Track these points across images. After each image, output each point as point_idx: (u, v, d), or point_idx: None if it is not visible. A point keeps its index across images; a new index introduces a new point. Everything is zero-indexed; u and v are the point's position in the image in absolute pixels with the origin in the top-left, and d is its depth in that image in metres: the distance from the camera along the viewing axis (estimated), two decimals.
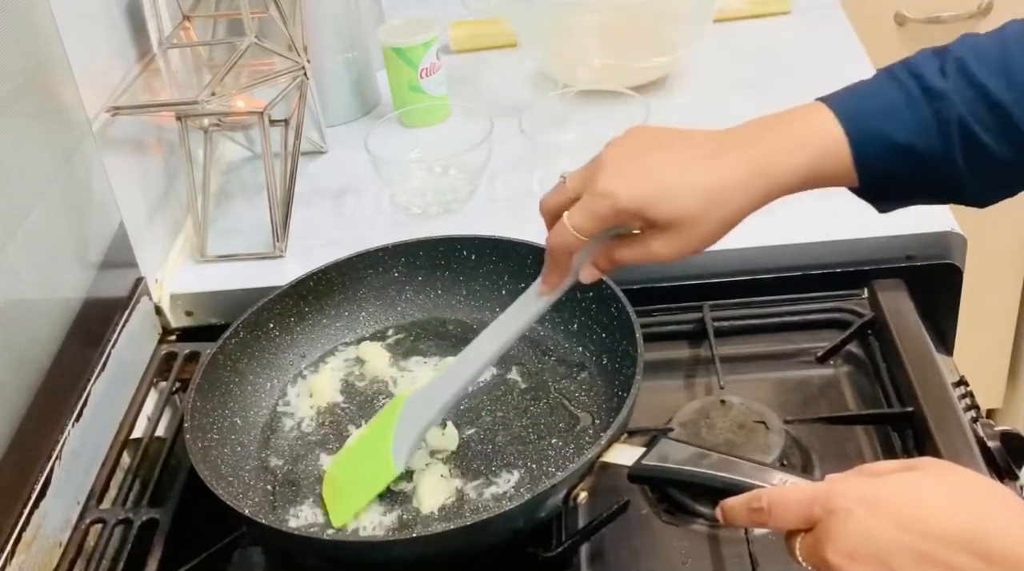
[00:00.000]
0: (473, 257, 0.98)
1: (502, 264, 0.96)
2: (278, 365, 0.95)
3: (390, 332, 0.98)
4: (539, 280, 0.78)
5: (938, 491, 0.56)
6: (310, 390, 0.93)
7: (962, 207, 1.03)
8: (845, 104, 0.71)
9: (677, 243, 0.71)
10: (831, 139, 0.70)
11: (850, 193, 1.04)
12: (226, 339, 0.90)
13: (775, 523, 0.60)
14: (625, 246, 0.74)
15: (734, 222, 0.72)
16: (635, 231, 0.74)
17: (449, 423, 0.86)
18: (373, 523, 0.80)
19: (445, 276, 0.99)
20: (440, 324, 0.98)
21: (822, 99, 0.72)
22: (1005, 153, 0.69)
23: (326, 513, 0.81)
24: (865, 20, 1.44)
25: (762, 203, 0.72)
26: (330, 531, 0.79)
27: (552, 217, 0.75)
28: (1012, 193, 0.74)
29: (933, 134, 0.69)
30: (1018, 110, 0.68)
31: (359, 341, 0.98)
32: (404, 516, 0.80)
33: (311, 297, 0.97)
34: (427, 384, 0.85)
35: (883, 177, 0.71)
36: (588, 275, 0.76)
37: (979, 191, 0.73)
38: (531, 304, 0.79)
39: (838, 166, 0.71)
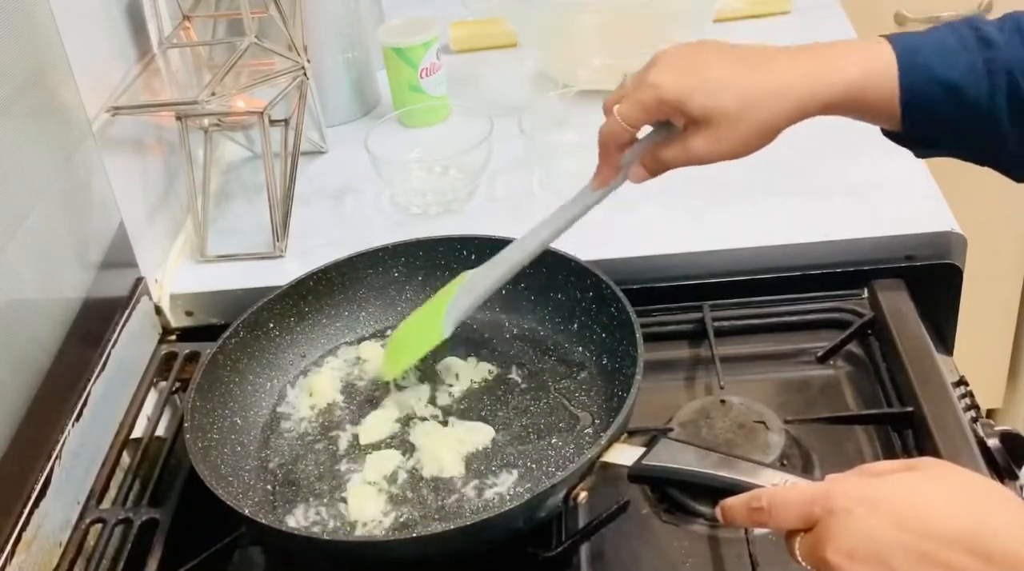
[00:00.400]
0: (473, 257, 0.97)
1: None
2: (278, 365, 0.95)
3: (390, 332, 0.98)
4: (592, 177, 0.80)
5: (938, 491, 0.56)
6: (310, 390, 0.93)
7: (962, 207, 1.04)
8: (902, 39, 0.73)
9: (715, 142, 0.74)
10: (881, 64, 0.72)
11: (849, 193, 1.04)
12: (226, 339, 0.90)
13: (775, 523, 0.60)
14: (668, 145, 0.76)
15: (771, 128, 0.74)
16: (681, 131, 0.76)
17: (483, 423, 0.87)
18: (373, 523, 0.80)
19: (445, 276, 0.99)
20: None
21: (884, 36, 0.73)
22: None
23: (328, 514, 0.81)
24: (865, 20, 1.44)
25: (799, 116, 0.73)
26: (330, 529, 0.79)
27: (609, 113, 0.77)
28: None
29: (981, 80, 0.70)
30: None
31: (359, 341, 0.98)
32: (404, 516, 0.80)
33: (311, 297, 0.97)
34: (485, 264, 0.87)
35: (925, 114, 0.72)
36: (636, 174, 0.79)
37: (1020, 156, 0.73)
38: (583, 198, 0.81)
39: (882, 92, 0.72)
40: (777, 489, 0.62)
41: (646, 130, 0.79)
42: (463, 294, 0.87)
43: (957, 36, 0.72)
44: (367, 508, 0.80)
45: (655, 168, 0.78)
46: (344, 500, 0.82)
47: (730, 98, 0.72)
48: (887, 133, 0.76)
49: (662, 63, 0.75)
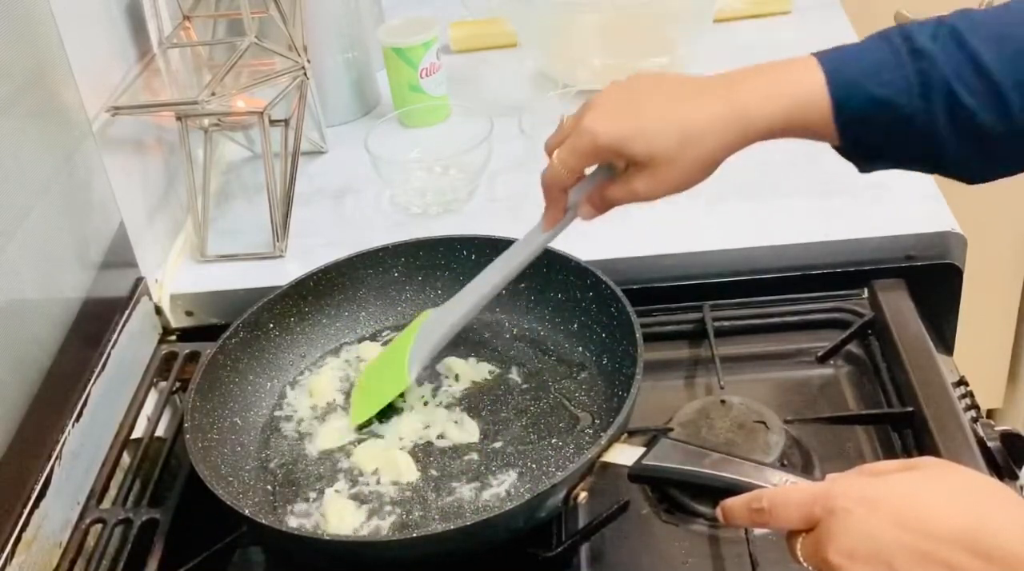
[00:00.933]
0: (473, 257, 0.98)
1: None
2: (278, 365, 0.95)
3: (390, 332, 0.98)
4: (541, 219, 0.81)
5: (938, 490, 0.56)
6: (310, 390, 0.93)
7: (962, 207, 1.03)
8: (831, 58, 0.72)
9: (656, 181, 0.74)
10: (812, 88, 0.71)
11: (849, 193, 1.05)
12: (226, 339, 0.90)
13: (776, 523, 0.60)
14: (613, 185, 0.76)
15: (710, 163, 0.74)
16: (622, 170, 0.76)
17: (466, 416, 0.88)
18: (373, 523, 0.80)
19: (445, 276, 0.99)
20: None
21: (815, 54, 0.73)
22: (992, 122, 0.69)
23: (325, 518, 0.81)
24: (865, 20, 1.43)
25: (738, 146, 0.73)
26: (330, 530, 0.79)
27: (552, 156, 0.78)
28: (998, 173, 0.73)
29: (915, 93, 0.69)
30: (1007, 79, 0.68)
31: (359, 341, 0.98)
32: (404, 516, 0.80)
33: (311, 297, 0.97)
34: (440, 307, 0.88)
35: (862, 132, 0.72)
36: (585, 213, 0.79)
37: (965, 162, 0.72)
38: (534, 239, 0.82)
39: (817, 116, 0.71)
40: (778, 489, 0.62)
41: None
42: (423, 341, 0.88)
43: (890, 49, 0.70)
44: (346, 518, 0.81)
45: (602, 206, 0.78)
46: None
47: (665, 138, 0.72)
48: (836, 148, 0.75)
49: (597, 107, 0.75)
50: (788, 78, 0.72)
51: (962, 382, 0.91)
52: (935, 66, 0.69)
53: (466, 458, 0.84)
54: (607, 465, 0.76)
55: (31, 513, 0.77)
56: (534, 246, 0.82)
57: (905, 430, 0.86)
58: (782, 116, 0.72)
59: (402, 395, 0.90)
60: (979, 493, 0.56)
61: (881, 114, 0.70)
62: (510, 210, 1.11)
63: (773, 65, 0.74)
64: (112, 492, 0.87)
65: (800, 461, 0.84)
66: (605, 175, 0.78)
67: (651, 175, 0.73)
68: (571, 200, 0.78)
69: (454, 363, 0.93)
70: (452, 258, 0.98)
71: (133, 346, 0.97)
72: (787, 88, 0.72)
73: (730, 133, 0.72)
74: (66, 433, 0.83)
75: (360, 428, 0.88)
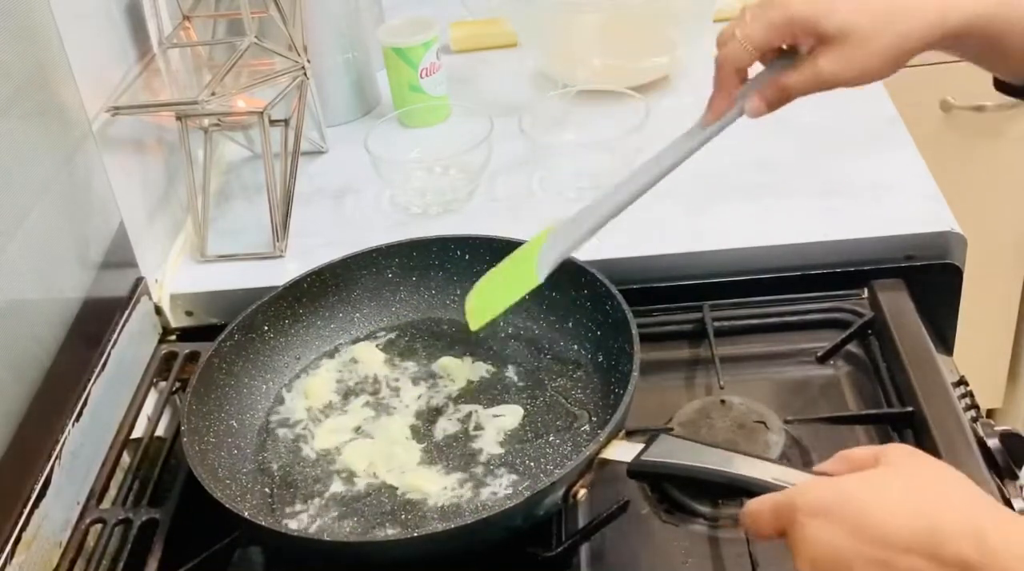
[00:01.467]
0: (467, 257, 0.98)
1: (496, 263, 0.96)
2: (273, 367, 0.94)
3: (385, 333, 0.98)
4: (705, 110, 0.76)
5: (892, 494, 0.56)
6: (305, 392, 0.93)
7: (962, 207, 1.03)
8: None
9: (848, 61, 0.70)
10: None
11: (849, 193, 1.04)
12: (221, 342, 0.90)
13: (756, 532, 0.61)
14: (794, 70, 0.73)
15: (908, 48, 0.70)
16: (805, 56, 0.73)
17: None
18: (374, 523, 0.80)
19: (439, 276, 0.99)
20: (435, 324, 0.98)
21: None
22: None
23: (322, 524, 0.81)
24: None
25: (939, 35, 0.70)
26: (330, 528, 0.79)
27: (727, 39, 0.74)
28: None
29: None
30: None
31: (354, 342, 0.98)
32: (404, 516, 0.80)
33: (305, 299, 0.97)
34: (578, 210, 0.83)
35: None
36: (754, 107, 0.75)
37: None
38: (693, 136, 0.77)
39: (1016, 26, 0.69)
40: (754, 501, 0.62)
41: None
42: (554, 243, 0.82)
43: None
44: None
45: (778, 98, 0.74)
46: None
47: (863, 14, 0.69)
48: (1003, 87, 0.73)
49: None
50: None
51: (962, 382, 0.91)
52: None
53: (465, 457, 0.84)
54: (606, 462, 0.76)
55: (31, 513, 0.77)
56: (693, 143, 0.77)
57: (905, 430, 0.86)
58: (977, 15, 0.69)
59: (398, 394, 0.90)
60: (931, 494, 0.56)
61: None
62: (510, 210, 1.11)
63: None
64: (112, 492, 0.87)
65: (800, 461, 0.84)
66: (777, 69, 0.73)
67: (843, 54, 0.70)
68: (739, 94, 0.74)
69: (450, 363, 0.93)
70: (446, 258, 0.98)
71: (133, 346, 0.97)
72: None
73: (932, 17, 0.69)
74: (66, 433, 0.83)
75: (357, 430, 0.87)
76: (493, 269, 0.88)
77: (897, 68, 0.72)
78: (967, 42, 0.71)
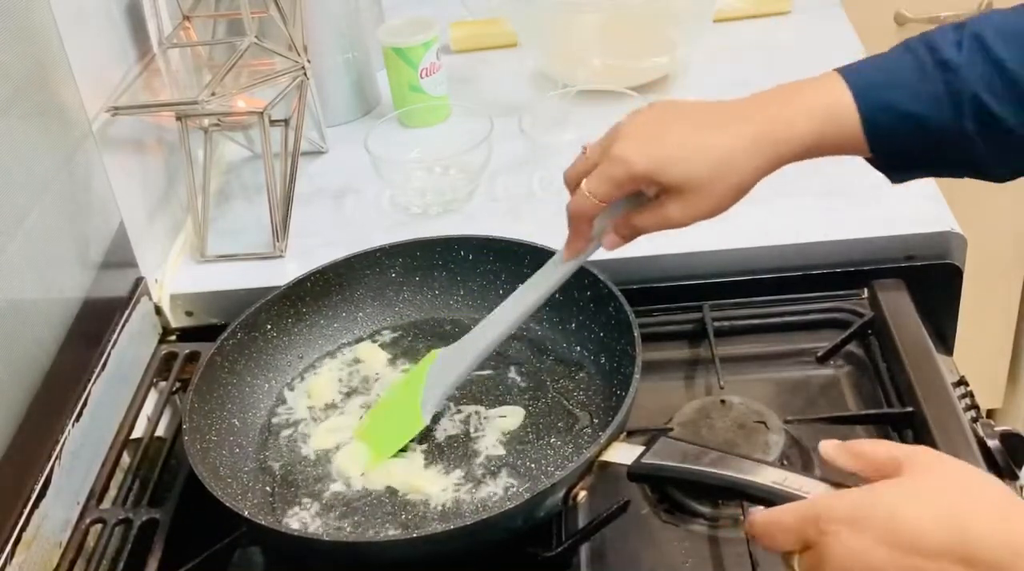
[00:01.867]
0: (470, 257, 0.98)
1: (499, 264, 0.96)
2: (276, 366, 0.94)
3: (387, 333, 0.98)
4: (562, 248, 0.80)
5: (920, 502, 0.56)
6: (308, 391, 0.93)
7: (962, 207, 1.03)
8: (857, 74, 0.73)
9: (691, 207, 0.74)
10: (840, 107, 0.72)
11: (849, 193, 1.05)
12: (223, 341, 0.90)
13: (771, 546, 0.61)
14: (644, 212, 0.77)
15: (744, 187, 0.74)
16: (651, 198, 0.76)
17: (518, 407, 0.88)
18: (374, 523, 0.80)
19: (442, 276, 0.99)
20: (437, 324, 0.99)
21: (838, 70, 0.73)
22: (1021, 125, 0.70)
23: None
24: (865, 20, 1.44)
25: (771, 168, 0.74)
26: (330, 530, 0.80)
27: (574, 187, 0.78)
28: None
29: (945, 106, 0.70)
30: None
31: (357, 342, 0.98)
32: (404, 517, 0.80)
33: (308, 298, 0.97)
34: (454, 344, 0.87)
35: (894, 147, 0.72)
36: (610, 242, 0.79)
37: (996, 165, 0.73)
38: (555, 271, 0.82)
39: (847, 134, 0.72)
40: (767, 513, 0.62)
41: None
42: (434, 384, 0.86)
43: (917, 64, 0.71)
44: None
45: (629, 234, 0.78)
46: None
47: (700, 163, 0.72)
48: (868, 160, 0.76)
49: (626, 135, 0.74)
50: (815, 99, 0.73)
51: (962, 382, 0.91)
52: (961, 77, 0.70)
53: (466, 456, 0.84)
54: (606, 464, 0.76)
55: (31, 513, 0.77)
56: (554, 279, 0.82)
57: (905, 430, 0.86)
58: (812, 136, 0.73)
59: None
60: (961, 498, 0.56)
61: (912, 127, 0.71)
62: (510, 210, 1.11)
63: (799, 85, 0.75)
64: (112, 492, 0.87)
65: (800, 461, 0.84)
66: (632, 204, 0.77)
67: (686, 201, 0.74)
68: (594, 231, 0.79)
69: None
70: (449, 258, 0.98)
71: (133, 346, 0.97)
72: (815, 107, 0.73)
73: (761, 156, 0.73)
74: (66, 433, 0.83)
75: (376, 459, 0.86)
76: (377, 406, 0.90)
77: (743, 196, 0.75)
78: (809, 156, 0.75)
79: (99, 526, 0.84)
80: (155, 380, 0.98)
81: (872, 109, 0.71)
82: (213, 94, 1.01)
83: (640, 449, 0.75)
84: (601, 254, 0.96)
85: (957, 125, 0.70)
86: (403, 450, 0.85)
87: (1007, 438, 0.81)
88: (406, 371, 0.93)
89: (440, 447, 0.86)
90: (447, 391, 0.86)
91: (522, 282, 0.94)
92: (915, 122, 0.71)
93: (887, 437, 0.87)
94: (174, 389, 0.97)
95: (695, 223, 0.75)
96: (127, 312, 0.96)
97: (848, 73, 0.73)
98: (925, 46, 0.71)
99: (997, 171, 0.74)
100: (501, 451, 0.84)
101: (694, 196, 0.73)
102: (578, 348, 0.93)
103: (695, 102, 0.78)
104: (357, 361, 0.96)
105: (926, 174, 0.77)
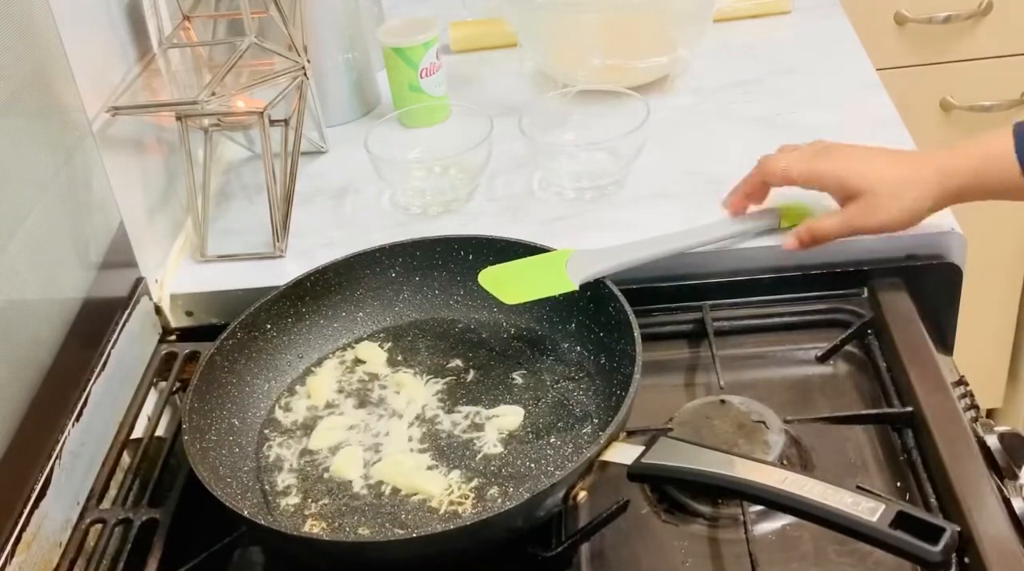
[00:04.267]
0: (470, 257, 0.98)
1: (499, 263, 0.96)
2: (275, 366, 0.94)
3: (387, 332, 0.98)
4: (726, 199, 0.98)
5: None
6: (308, 391, 0.93)
7: (962, 207, 1.03)
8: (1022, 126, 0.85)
9: (873, 212, 0.88)
10: (1000, 150, 0.85)
11: None
12: (223, 340, 0.90)
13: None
14: (828, 218, 0.91)
15: (920, 208, 0.88)
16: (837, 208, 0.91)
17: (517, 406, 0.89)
18: (374, 523, 0.80)
19: (443, 276, 0.99)
20: (438, 324, 0.99)
21: (1018, 122, 0.85)
22: None
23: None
24: (865, 20, 1.44)
25: (941, 199, 0.88)
26: (327, 529, 0.80)
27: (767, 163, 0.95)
28: None
29: None
30: None
31: (357, 341, 0.98)
32: (404, 516, 0.80)
33: (308, 298, 0.97)
34: (605, 247, 0.93)
35: None
36: (790, 243, 0.93)
37: None
38: (727, 225, 0.97)
39: (1004, 176, 0.85)
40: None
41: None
42: (582, 262, 0.91)
43: None
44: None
45: (809, 239, 0.92)
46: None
47: (888, 180, 0.88)
48: None
49: (834, 146, 0.92)
50: (983, 143, 0.86)
51: (962, 382, 0.91)
52: None
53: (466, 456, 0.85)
54: (606, 464, 0.76)
55: (31, 513, 0.77)
56: (727, 232, 0.97)
57: (905, 430, 0.86)
58: (970, 173, 0.86)
59: (400, 393, 0.90)
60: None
61: None
62: (510, 210, 1.11)
63: (978, 135, 0.87)
64: (112, 492, 0.87)
65: (800, 461, 0.84)
66: (812, 217, 0.92)
67: (868, 206, 0.88)
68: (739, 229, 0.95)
69: (451, 363, 0.93)
70: (449, 258, 0.98)
71: (133, 346, 0.97)
72: (979, 151, 0.86)
73: (934, 186, 0.87)
74: (66, 433, 0.83)
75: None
76: (516, 262, 0.94)
77: (912, 225, 0.90)
78: (971, 195, 0.88)
79: (99, 526, 0.84)
80: (155, 380, 0.98)
81: None
82: (213, 94, 1.01)
83: (640, 449, 0.75)
84: None
85: None
86: (404, 450, 0.85)
87: (1007, 438, 0.81)
88: (406, 372, 0.93)
89: (440, 447, 0.86)
90: (599, 272, 0.89)
91: None
92: None
93: (887, 437, 0.87)
94: (174, 389, 0.97)
95: (877, 233, 0.90)
96: (127, 312, 0.96)
97: (1017, 125, 0.84)
98: None
99: None
100: (501, 451, 0.84)
101: (874, 203, 0.87)
102: (578, 348, 0.93)
103: (887, 149, 0.92)
104: (357, 361, 0.96)
105: None
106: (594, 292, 0.90)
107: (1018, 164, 0.83)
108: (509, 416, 0.87)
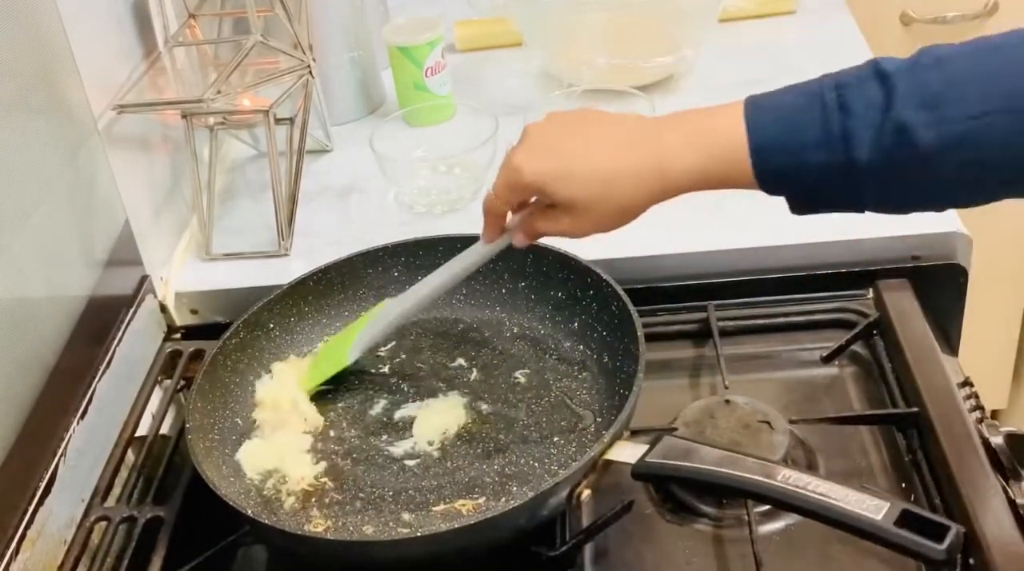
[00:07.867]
0: None
1: (501, 263, 0.96)
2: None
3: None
4: (481, 236, 0.83)
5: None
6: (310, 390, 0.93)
7: (967, 209, 1.03)
8: (759, 110, 0.70)
9: (579, 222, 0.76)
10: (732, 143, 0.70)
11: None
12: (226, 339, 0.90)
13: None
14: (542, 218, 0.78)
15: (632, 210, 0.75)
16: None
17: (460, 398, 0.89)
18: (376, 523, 0.80)
19: None
20: (440, 323, 0.99)
21: (748, 99, 0.71)
22: (921, 183, 0.68)
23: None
24: (870, 20, 1.44)
25: (659, 198, 0.74)
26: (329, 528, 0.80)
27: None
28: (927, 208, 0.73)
29: (838, 149, 0.67)
30: (934, 144, 0.65)
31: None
32: (407, 515, 0.80)
33: (311, 297, 0.97)
34: (395, 297, 0.91)
35: (784, 187, 0.71)
36: (518, 240, 0.81)
37: (886, 203, 0.72)
38: (475, 251, 0.85)
39: (736, 172, 0.70)
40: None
41: None
42: (371, 328, 0.91)
43: (823, 119, 0.67)
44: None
45: (532, 234, 0.80)
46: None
47: (587, 186, 0.73)
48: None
49: (527, 143, 0.76)
50: (710, 133, 0.71)
51: (967, 383, 0.90)
52: (861, 146, 0.66)
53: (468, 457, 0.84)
54: (610, 463, 0.76)
55: (36, 510, 0.77)
56: (475, 258, 0.85)
57: (910, 430, 0.86)
58: (697, 173, 0.72)
59: (401, 392, 0.90)
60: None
61: (801, 174, 0.69)
62: None
63: (702, 114, 0.73)
64: (116, 490, 0.88)
65: (805, 461, 0.84)
66: (538, 207, 0.79)
67: (574, 216, 0.75)
68: (510, 224, 0.81)
69: (454, 362, 0.93)
70: (451, 257, 0.98)
71: (138, 344, 0.97)
72: (706, 144, 0.71)
73: (650, 186, 0.73)
74: (71, 431, 0.83)
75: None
76: (336, 336, 0.95)
77: (633, 219, 0.76)
78: (699, 189, 0.73)
79: (104, 523, 0.84)
80: (160, 378, 0.98)
81: (762, 151, 0.68)
82: (219, 92, 1.01)
83: (644, 448, 0.75)
84: (604, 253, 0.97)
85: (847, 167, 0.67)
86: (406, 450, 0.85)
87: (1012, 439, 0.81)
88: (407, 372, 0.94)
89: (444, 446, 0.86)
90: (375, 338, 0.91)
91: (524, 280, 0.95)
92: (805, 169, 0.68)
93: (892, 437, 0.87)
94: (179, 387, 0.97)
95: (588, 235, 0.77)
96: (132, 310, 0.97)
97: (752, 107, 0.70)
98: (838, 106, 0.68)
99: (886, 209, 0.72)
100: (504, 449, 0.84)
101: (582, 212, 0.74)
102: (581, 347, 0.93)
103: (604, 114, 0.78)
104: (359, 359, 0.95)
105: (821, 212, 0.73)
106: (596, 291, 0.90)
107: (751, 166, 0.69)
108: (512, 415, 0.87)
